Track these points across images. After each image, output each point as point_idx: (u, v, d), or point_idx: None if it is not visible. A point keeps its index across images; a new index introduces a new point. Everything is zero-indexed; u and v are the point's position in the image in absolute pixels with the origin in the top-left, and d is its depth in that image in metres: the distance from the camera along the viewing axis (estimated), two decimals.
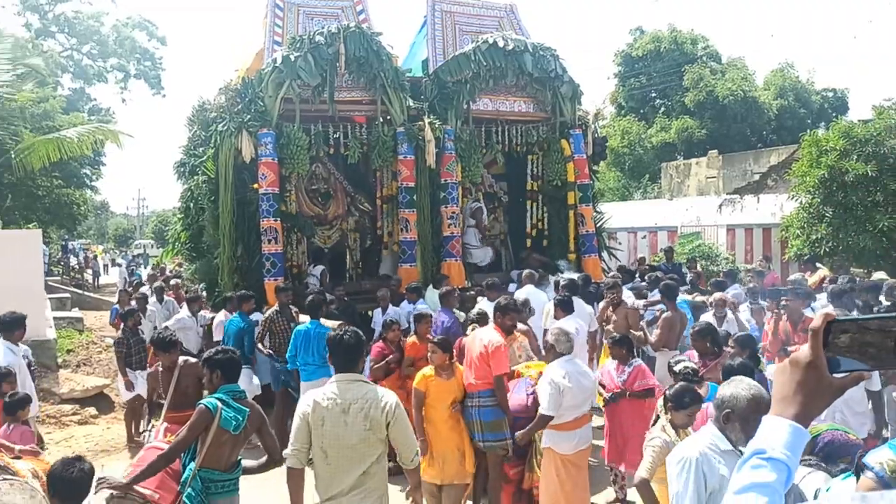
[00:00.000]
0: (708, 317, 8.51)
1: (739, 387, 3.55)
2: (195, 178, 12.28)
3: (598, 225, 13.96)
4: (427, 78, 12.47)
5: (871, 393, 6.97)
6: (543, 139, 13.21)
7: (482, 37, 12.43)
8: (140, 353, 9.51)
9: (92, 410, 10.61)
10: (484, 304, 8.56)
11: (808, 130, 17.46)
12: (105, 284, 31.58)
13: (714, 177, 26.78)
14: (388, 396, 4.18)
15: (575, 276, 10.96)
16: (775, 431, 1.40)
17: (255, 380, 9.20)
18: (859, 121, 16.05)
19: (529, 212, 13.55)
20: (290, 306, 9.30)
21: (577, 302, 8.72)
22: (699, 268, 14.83)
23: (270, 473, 4.90)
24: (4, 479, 4.31)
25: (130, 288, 16.30)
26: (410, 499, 4.70)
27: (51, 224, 29.02)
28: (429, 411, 6.06)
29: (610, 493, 7.17)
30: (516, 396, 6.28)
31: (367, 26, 11.90)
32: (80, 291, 23.61)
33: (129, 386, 9.21)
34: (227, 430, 4.45)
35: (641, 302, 10.14)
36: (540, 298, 9.52)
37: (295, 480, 4.19)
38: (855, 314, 7.64)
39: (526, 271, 10.76)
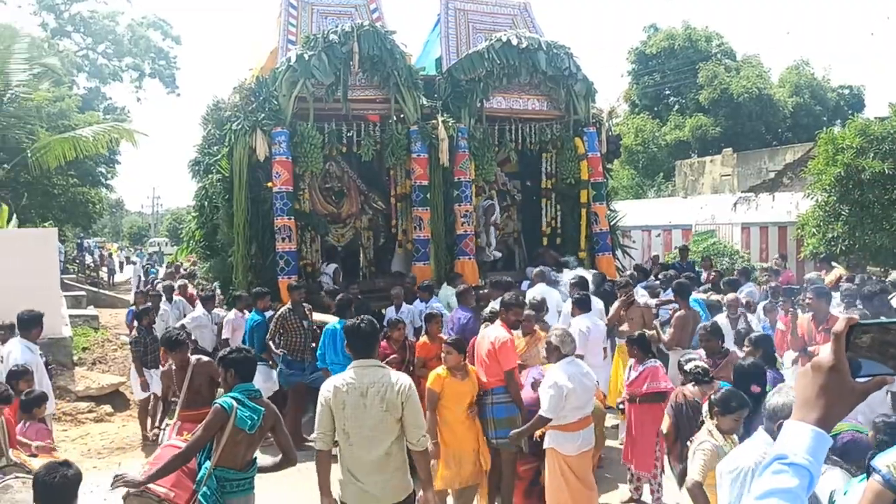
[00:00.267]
0: (721, 318, 8.45)
1: (789, 395, 3.47)
2: (209, 176, 12.32)
3: (611, 223, 13.92)
4: (440, 76, 12.47)
5: (895, 394, 6.91)
6: (557, 137, 13.17)
7: (496, 35, 12.41)
8: (155, 351, 9.54)
9: (107, 408, 10.66)
10: (497, 304, 8.56)
11: (824, 128, 17.33)
12: (120, 282, 31.75)
13: (728, 175, 26.65)
14: (402, 379, 4.46)
15: (584, 273, 10.92)
16: (797, 436, 1.38)
17: (274, 374, 9.21)
18: (876, 118, 15.90)
19: (545, 210, 13.52)
20: (303, 304, 9.32)
21: (591, 299, 8.70)
22: (714, 265, 14.74)
23: (286, 472, 4.93)
24: (17, 478, 4.35)
25: (146, 287, 16.36)
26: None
27: (66, 222, 29.20)
28: (443, 412, 5.99)
29: (625, 491, 7.15)
30: (526, 390, 6.28)
31: (380, 25, 11.90)
32: (95, 289, 23.73)
33: (145, 386, 9.24)
34: (243, 429, 4.46)
35: (655, 301, 10.09)
36: (552, 297, 9.49)
37: (322, 463, 4.43)
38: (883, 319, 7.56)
39: (536, 269, 10.74)
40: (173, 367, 6.40)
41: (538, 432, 5.95)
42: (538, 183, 13.70)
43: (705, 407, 4.66)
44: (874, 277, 11.59)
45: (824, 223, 14.47)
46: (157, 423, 7.20)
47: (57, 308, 11.61)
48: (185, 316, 11.73)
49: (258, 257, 11.20)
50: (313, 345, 9.12)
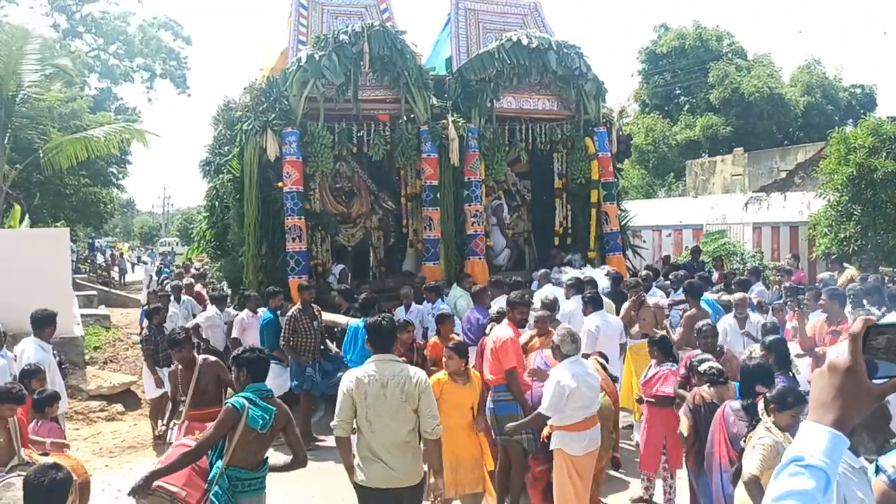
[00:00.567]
0: (729, 318, 8.40)
1: None
2: (220, 176, 12.36)
3: (622, 223, 13.89)
4: (451, 76, 12.47)
5: None
6: (567, 137, 13.15)
7: (506, 35, 12.41)
8: (166, 350, 9.59)
9: (119, 407, 10.71)
10: (502, 303, 8.56)
11: (836, 127, 17.23)
12: (131, 282, 31.88)
13: (739, 174, 26.53)
14: (419, 373, 4.85)
15: (593, 272, 10.89)
16: (814, 438, 1.37)
17: (286, 374, 9.21)
18: (888, 118, 15.82)
19: (557, 210, 13.49)
20: (313, 305, 9.32)
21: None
22: (725, 265, 14.68)
23: (297, 472, 4.95)
24: (20, 476, 4.36)
25: (158, 287, 16.41)
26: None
27: (78, 222, 29.34)
28: (442, 418, 5.61)
29: (637, 489, 7.13)
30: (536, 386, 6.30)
31: (390, 25, 11.91)
32: (106, 289, 23.83)
33: (159, 383, 9.27)
34: (255, 428, 4.47)
35: (667, 301, 10.06)
36: (559, 297, 9.47)
37: (343, 447, 4.79)
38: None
39: (541, 271, 10.75)
40: (180, 368, 6.42)
41: (544, 433, 5.95)
42: (548, 183, 13.68)
43: (761, 405, 4.60)
44: (886, 278, 11.52)
45: (836, 223, 14.39)
46: (165, 422, 7.23)
47: (69, 307, 11.66)
48: (194, 316, 11.76)
49: (269, 257, 11.23)
50: (322, 346, 9.17)
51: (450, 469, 5.97)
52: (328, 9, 12.38)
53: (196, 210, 32.21)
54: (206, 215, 14.24)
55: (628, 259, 13.82)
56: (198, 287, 14.18)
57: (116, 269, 32.91)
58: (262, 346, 8.76)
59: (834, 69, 35.49)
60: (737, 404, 5.02)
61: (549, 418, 5.68)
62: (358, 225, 12.68)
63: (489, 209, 12.90)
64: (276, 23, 25.99)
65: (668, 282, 11.69)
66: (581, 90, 12.85)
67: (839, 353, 1.44)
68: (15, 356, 7.00)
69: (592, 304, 8.12)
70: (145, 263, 35.08)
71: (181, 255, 34.14)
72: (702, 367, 5.67)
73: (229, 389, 6.02)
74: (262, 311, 9.75)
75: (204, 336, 10.65)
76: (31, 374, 6.20)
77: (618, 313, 8.91)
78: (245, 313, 10.15)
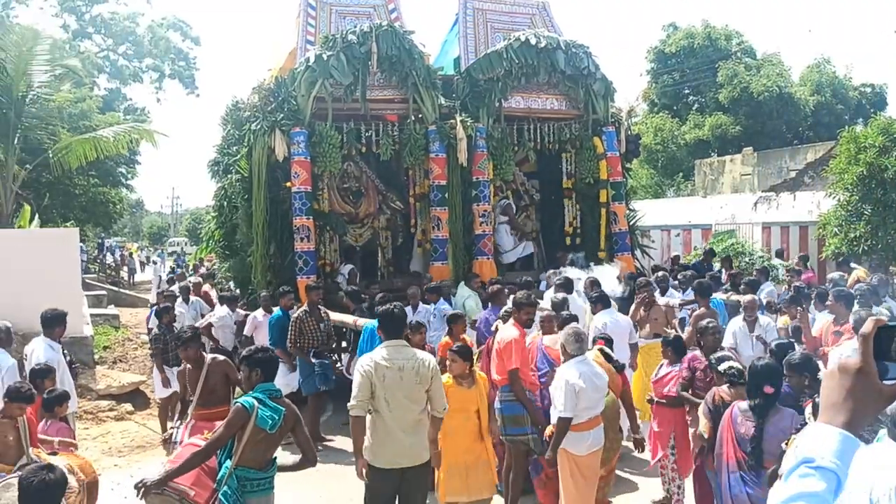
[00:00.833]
0: (738, 320, 8.34)
1: None
2: (229, 176, 12.39)
3: (631, 223, 13.85)
4: (459, 76, 12.47)
5: None
6: (576, 137, 13.13)
7: (514, 34, 12.41)
8: (175, 349, 9.61)
9: (128, 406, 10.74)
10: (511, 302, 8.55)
11: (846, 127, 17.14)
12: (140, 282, 32.00)
13: (749, 174, 26.41)
14: (430, 358, 5.25)
15: (598, 271, 10.86)
16: (824, 439, 1.36)
17: (294, 374, 9.21)
18: None
19: (566, 210, 13.47)
20: (319, 307, 9.32)
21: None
22: (733, 265, 14.62)
23: (306, 472, 4.96)
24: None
25: (165, 288, 16.46)
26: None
27: (87, 222, 29.43)
28: (447, 422, 5.50)
29: (647, 492, 7.10)
30: (541, 362, 6.33)
31: (399, 25, 11.93)
32: (115, 289, 23.95)
33: (167, 382, 9.30)
34: (264, 428, 4.48)
35: (677, 301, 10.02)
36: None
37: (358, 427, 4.98)
38: None
39: (548, 273, 10.74)
40: (188, 368, 6.44)
41: (547, 433, 5.93)
42: (557, 183, 13.66)
43: (808, 409, 4.54)
44: (894, 278, 11.45)
45: (846, 223, 14.30)
46: (174, 422, 7.24)
47: (78, 307, 11.70)
48: (202, 316, 11.78)
49: (277, 257, 11.25)
50: (333, 346, 9.21)
51: (457, 474, 5.95)
52: (336, 9, 12.41)
53: (204, 210, 32.32)
54: (214, 215, 14.28)
55: (637, 259, 13.79)
56: (205, 287, 14.22)
57: (126, 269, 33.05)
58: (270, 342, 8.83)
59: (844, 68, 35.27)
60: (744, 404, 4.97)
61: (571, 419, 5.62)
62: (366, 225, 12.69)
63: (498, 209, 12.90)
64: (284, 23, 26.01)
65: (675, 282, 11.64)
66: (590, 90, 12.82)
67: (843, 353, 1.43)
68: (25, 356, 7.03)
69: (601, 302, 8.10)
70: (155, 263, 35.21)
71: (190, 255, 34.22)
72: (721, 367, 5.58)
73: (237, 389, 6.02)
74: (276, 311, 9.78)
75: (214, 336, 10.68)
76: (42, 374, 6.21)
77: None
78: (259, 312, 10.20)
